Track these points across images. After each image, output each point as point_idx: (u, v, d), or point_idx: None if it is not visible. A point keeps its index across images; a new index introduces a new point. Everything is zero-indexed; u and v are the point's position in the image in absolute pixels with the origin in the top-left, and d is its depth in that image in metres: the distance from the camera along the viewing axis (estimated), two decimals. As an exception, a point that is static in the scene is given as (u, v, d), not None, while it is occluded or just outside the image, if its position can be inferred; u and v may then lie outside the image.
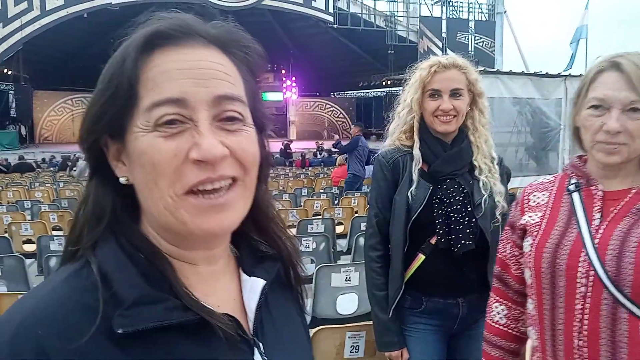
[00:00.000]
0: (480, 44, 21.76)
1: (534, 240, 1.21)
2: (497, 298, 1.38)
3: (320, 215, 6.05)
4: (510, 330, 1.35)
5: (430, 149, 1.77)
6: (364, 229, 4.73)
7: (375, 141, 27.15)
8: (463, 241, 1.69)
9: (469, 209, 1.72)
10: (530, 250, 1.21)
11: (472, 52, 20.55)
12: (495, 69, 12.45)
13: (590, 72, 1.17)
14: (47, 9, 19.85)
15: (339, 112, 33.62)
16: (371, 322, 1.91)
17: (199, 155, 0.55)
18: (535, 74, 9.18)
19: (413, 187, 1.72)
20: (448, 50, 20.55)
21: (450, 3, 22.48)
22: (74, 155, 17.80)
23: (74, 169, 14.42)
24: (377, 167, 1.84)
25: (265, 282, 0.67)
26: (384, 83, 28.31)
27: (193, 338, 0.57)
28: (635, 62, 1.11)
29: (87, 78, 29.77)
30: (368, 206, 6.09)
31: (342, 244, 5.09)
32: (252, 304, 0.65)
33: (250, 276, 0.68)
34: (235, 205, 0.59)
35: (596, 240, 1.11)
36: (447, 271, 1.73)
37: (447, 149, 1.77)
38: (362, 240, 3.98)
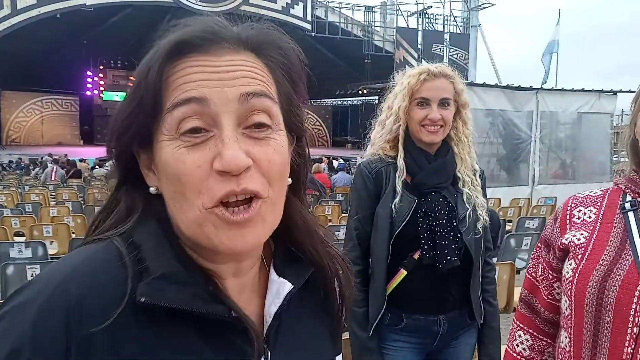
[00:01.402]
0: (455, 55, 22.12)
1: (577, 264, 1.02)
2: (521, 325, 1.20)
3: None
4: None
5: (415, 160, 1.70)
6: (338, 238, 4.72)
7: (350, 149, 27.27)
8: (448, 257, 1.62)
9: (454, 223, 1.66)
10: (572, 276, 1.02)
11: (447, 64, 20.85)
12: (469, 81, 12.65)
13: None
14: (17, 8, 19.32)
15: (316, 120, 33.65)
16: (344, 337, 1.87)
17: (221, 166, 0.52)
18: (508, 87, 9.36)
19: (397, 200, 1.65)
20: (424, 62, 20.85)
21: (427, 15, 22.83)
22: (42, 158, 17.36)
23: (39, 172, 14.03)
24: (358, 177, 1.76)
25: (292, 286, 0.63)
26: (360, 92, 28.49)
27: (206, 332, 0.55)
28: None
29: (58, 79, 29.21)
30: (346, 216, 6.07)
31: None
32: (272, 308, 0.62)
33: (279, 276, 0.64)
34: (261, 221, 0.56)
35: None
36: (430, 288, 1.66)
37: (432, 161, 1.71)
38: (334, 250, 3.95)
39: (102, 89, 32.38)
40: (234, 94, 0.54)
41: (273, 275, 0.64)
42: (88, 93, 32.15)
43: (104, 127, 33.80)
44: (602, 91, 10.04)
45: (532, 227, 5.50)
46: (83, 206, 7.72)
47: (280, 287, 0.63)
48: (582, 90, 9.93)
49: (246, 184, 0.54)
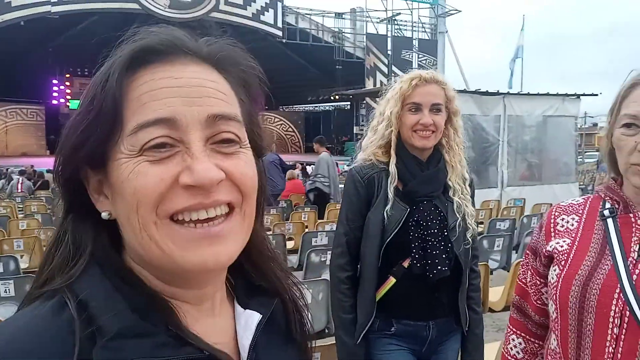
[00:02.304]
0: (424, 61, 22.49)
1: (561, 270, 1.07)
2: (514, 330, 1.27)
3: (270, 230, 6.01)
4: None
5: (407, 167, 1.69)
6: (315, 244, 4.75)
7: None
8: (439, 267, 1.61)
9: (445, 233, 1.65)
10: (557, 281, 1.07)
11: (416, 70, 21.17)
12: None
13: (623, 87, 1.07)
14: (-21, 15, 18.80)
15: (288, 126, 33.63)
16: (326, 343, 1.84)
17: (192, 180, 0.49)
18: (476, 92, 9.58)
19: (388, 207, 1.64)
20: (394, 67, 21.11)
21: (395, 22, 23.15)
22: (6, 169, 16.86)
23: (5, 185, 13.62)
24: (350, 182, 1.73)
25: (261, 316, 0.60)
26: (332, 97, 28.65)
27: None
28: None
29: (23, 88, 28.42)
30: (322, 222, 6.08)
31: (292, 260, 5.07)
32: (245, 341, 0.59)
33: (245, 309, 0.61)
34: (233, 236, 0.53)
35: (634, 277, 0.97)
36: (419, 295, 1.65)
37: (424, 168, 1.70)
38: (313, 256, 3.98)
39: (68, 97, 31.65)
40: (202, 114, 0.51)
41: (238, 308, 0.61)
42: (54, 102, 31.38)
43: (72, 136, 33.03)
44: (566, 95, 10.38)
45: (503, 228, 5.64)
46: (53, 218, 7.54)
47: (249, 319, 0.60)
48: (547, 94, 10.24)
49: (217, 195, 0.51)
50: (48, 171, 16.89)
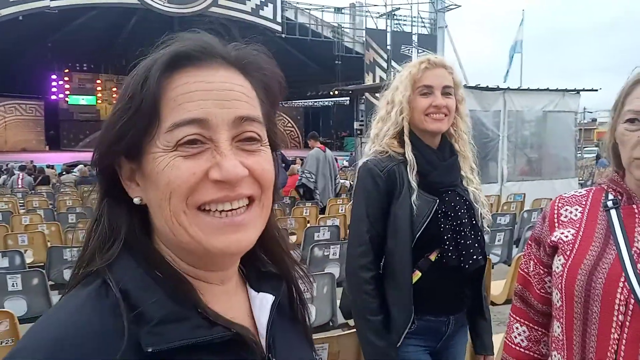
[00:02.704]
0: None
1: (566, 260, 1.11)
2: (517, 318, 1.29)
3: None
4: (531, 353, 1.26)
5: (424, 157, 1.63)
6: (317, 239, 4.78)
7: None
8: (474, 257, 1.57)
9: (474, 221, 1.61)
10: (562, 271, 1.11)
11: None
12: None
13: (627, 84, 1.09)
14: (-23, 11, 18.73)
15: (287, 121, 33.64)
16: (334, 335, 1.80)
17: (220, 176, 0.55)
18: (476, 87, 9.59)
19: (414, 197, 1.58)
20: (393, 63, 21.09)
21: (395, 16, 23.11)
22: (7, 165, 16.86)
23: (7, 180, 13.63)
24: (367, 177, 1.64)
25: (274, 297, 0.67)
26: (331, 93, 28.63)
27: (214, 353, 0.56)
28: None
29: (22, 84, 28.39)
30: (324, 217, 6.09)
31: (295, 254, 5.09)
32: (262, 319, 0.65)
33: (257, 292, 0.68)
34: (252, 224, 0.59)
35: (639, 266, 1.01)
36: (446, 288, 1.60)
37: (440, 157, 1.65)
38: (317, 251, 4.01)
39: (67, 92, 31.64)
40: (230, 115, 0.57)
41: (252, 292, 0.68)
42: (53, 97, 31.35)
43: (70, 131, 33.17)
44: (566, 90, 10.40)
45: (504, 223, 5.67)
46: (55, 213, 7.58)
47: (263, 300, 0.66)
48: (547, 89, 10.26)
49: (241, 190, 0.57)
50: (48, 166, 16.92)
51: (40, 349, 0.51)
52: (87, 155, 24.96)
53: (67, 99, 31.73)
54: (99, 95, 32.87)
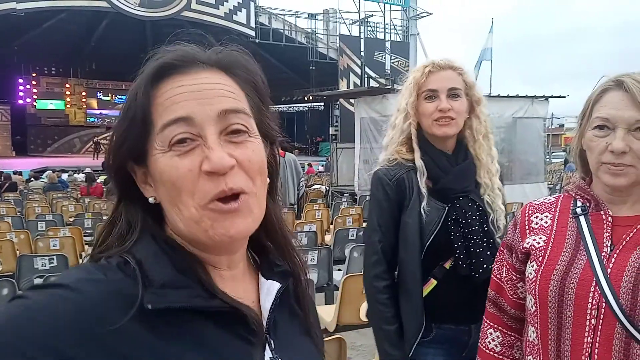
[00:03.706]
0: (396, 63, 22.73)
1: (539, 266, 1.13)
2: (491, 324, 1.31)
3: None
4: (505, 358, 1.28)
5: (435, 162, 1.59)
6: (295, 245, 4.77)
7: (297, 155, 27.30)
8: (485, 265, 1.52)
9: (486, 228, 1.57)
10: (535, 277, 1.13)
11: (389, 71, 21.43)
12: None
13: (595, 92, 1.12)
14: (-60, 12, 18.13)
15: (261, 127, 33.49)
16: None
17: (210, 167, 0.61)
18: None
19: (424, 205, 1.55)
20: (367, 69, 21.30)
21: (368, 23, 23.34)
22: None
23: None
24: (377, 186, 1.64)
25: (280, 285, 0.72)
26: (306, 98, 28.68)
27: (214, 326, 0.63)
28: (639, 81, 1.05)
29: (-13, 87, 27.53)
30: (301, 222, 6.10)
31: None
32: (267, 304, 0.70)
33: (267, 279, 0.73)
34: (249, 211, 0.65)
35: (608, 270, 1.04)
36: (462, 296, 1.56)
37: (453, 163, 1.61)
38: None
39: (35, 97, 30.90)
40: (214, 111, 0.63)
41: (261, 279, 0.73)
42: (20, 102, 30.56)
43: (38, 136, 32.33)
44: (535, 97, 10.69)
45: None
46: (24, 221, 7.37)
47: (271, 287, 0.72)
48: (517, 96, 10.52)
49: (232, 184, 0.62)
50: (15, 172, 16.43)
51: (81, 280, 0.59)
52: (55, 161, 24.32)
53: (34, 103, 30.97)
54: (68, 99, 32.18)
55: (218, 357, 0.62)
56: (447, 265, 1.57)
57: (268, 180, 0.70)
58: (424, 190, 1.56)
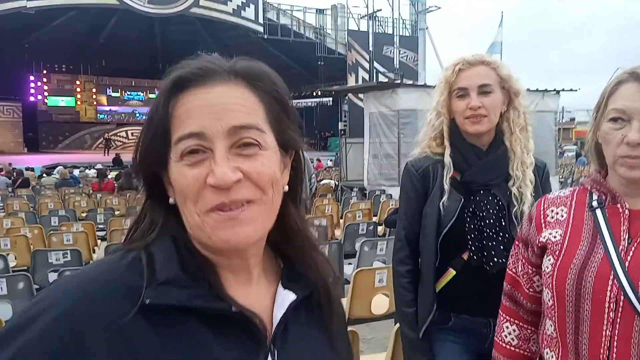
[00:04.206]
0: (405, 58, 22.65)
1: (556, 260, 1.13)
2: (507, 317, 1.32)
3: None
4: (521, 351, 1.29)
5: (463, 156, 1.62)
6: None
7: (306, 150, 27.25)
8: (496, 259, 1.55)
9: (503, 223, 1.59)
10: (552, 270, 1.13)
11: (398, 66, 21.35)
12: (422, 83, 13.07)
13: (610, 84, 1.11)
14: (-48, 11, 18.31)
15: (270, 122, 33.51)
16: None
17: (213, 182, 0.63)
18: (458, 88, 9.70)
19: (445, 198, 1.60)
20: (375, 64, 21.24)
21: (377, 18, 23.25)
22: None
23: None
24: (406, 177, 1.72)
25: (295, 297, 0.72)
26: (314, 94, 28.68)
27: (216, 329, 0.64)
28: None
29: (-1, 85, 27.78)
30: (310, 217, 6.13)
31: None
32: (278, 314, 0.70)
33: (285, 289, 0.73)
34: (253, 220, 0.65)
35: (626, 263, 1.04)
36: (478, 289, 1.59)
37: (482, 156, 1.63)
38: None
39: (46, 94, 31.16)
40: (224, 127, 0.64)
41: (280, 288, 0.73)
42: (32, 99, 30.84)
43: (49, 133, 32.58)
44: (546, 90, 10.61)
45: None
46: (37, 216, 7.46)
47: (285, 297, 0.72)
48: (528, 89, 10.40)
49: (235, 196, 0.64)
50: (27, 169, 16.62)
51: (82, 282, 0.63)
52: (66, 157, 24.51)
53: (46, 100, 31.22)
54: (79, 96, 32.42)
55: None
56: (465, 256, 1.61)
57: (287, 188, 0.71)
58: (446, 185, 1.61)
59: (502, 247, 1.57)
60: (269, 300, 0.72)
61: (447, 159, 1.63)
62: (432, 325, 1.66)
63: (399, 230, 1.73)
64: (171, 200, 0.69)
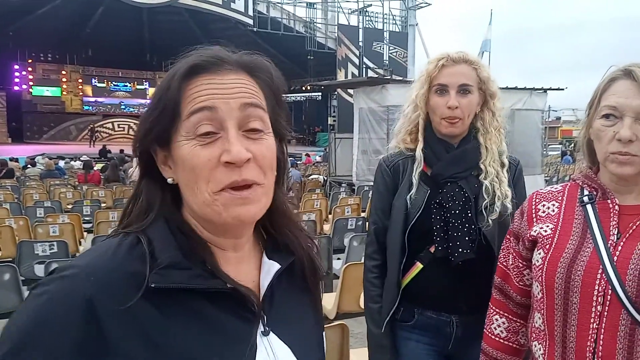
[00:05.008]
0: (394, 53, 22.65)
1: (546, 253, 1.15)
2: (497, 310, 1.34)
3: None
4: (510, 344, 1.31)
5: (433, 151, 1.64)
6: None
7: (295, 145, 27.31)
8: (461, 249, 1.56)
9: (469, 214, 1.58)
10: (542, 264, 1.15)
11: (387, 62, 21.36)
12: (412, 79, 13.05)
13: (603, 81, 1.13)
14: None
15: (258, 116, 33.34)
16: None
17: (229, 158, 0.68)
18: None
19: (413, 192, 1.61)
20: (365, 59, 21.24)
21: (367, 13, 23.21)
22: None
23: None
24: (377, 172, 1.74)
25: (280, 266, 0.79)
26: (304, 88, 28.61)
27: (215, 305, 0.70)
28: None
29: (-18, 74, 27.27)
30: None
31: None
32: (265, 283, 0.78)
33: (269, 259, 0.80)
34: (257, 200, 0.72)
35: (615, 258, 1.06)
36: (444, 283, 1.60)
37: (449, 149, 1.64)
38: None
39: (31, 83, 30.64)
40: (236, 104, 0.70)
41: (265, 258, 0.80)
42: (16, 88, 30.29)
43: (34, 123, 32.09)
44: (533, 89, 10.70)
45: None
46: (22, 208, 7.36)
47: (271, 267, 0.79)
48: (516, 88, 10.53)
49: (246, 175, 0.69)
50: (11, 159, 16.36)
51: (90, 264, 0.67)
52: (51, 148, 24.17)
53: (30, 89, 30.73)
54: (64, 86, 31.94)
55: (218, 334, 0.69)
56: (433, 249, 1.61)
57: (276, 173, 0.77)
58: (414, 180, 1.63)
59: (467, 238, 1.57)
60: (255, 270, 0.79)
61: (419, 154, 1.65)
62: (395, 323, 1.67)
63: (369, 225, 1.75)
64: (169, 180, 0.74)
